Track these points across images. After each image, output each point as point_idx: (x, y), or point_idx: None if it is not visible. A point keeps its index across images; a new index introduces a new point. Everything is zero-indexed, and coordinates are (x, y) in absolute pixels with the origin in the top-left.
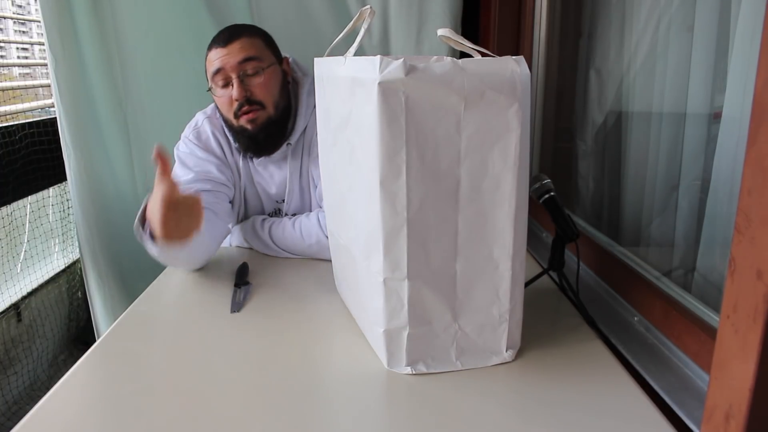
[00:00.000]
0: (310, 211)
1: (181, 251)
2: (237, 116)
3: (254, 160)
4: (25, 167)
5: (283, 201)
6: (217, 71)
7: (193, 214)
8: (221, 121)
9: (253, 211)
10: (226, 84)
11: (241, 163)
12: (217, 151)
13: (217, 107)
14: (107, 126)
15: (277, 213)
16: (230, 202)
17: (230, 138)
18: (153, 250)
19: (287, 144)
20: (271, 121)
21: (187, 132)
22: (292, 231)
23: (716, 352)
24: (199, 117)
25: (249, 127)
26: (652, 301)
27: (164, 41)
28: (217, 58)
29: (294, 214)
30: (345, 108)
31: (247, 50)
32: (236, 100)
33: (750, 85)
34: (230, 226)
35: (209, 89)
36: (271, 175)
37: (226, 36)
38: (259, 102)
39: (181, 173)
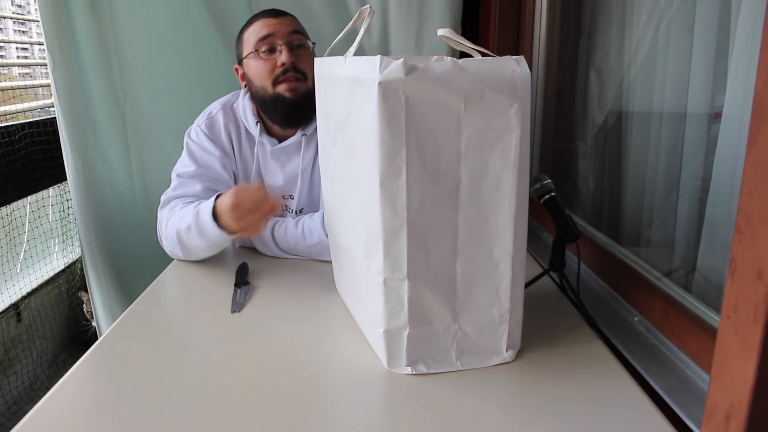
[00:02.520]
0: (317, 208)
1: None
2: (276, 83)
3: (267, 148)
4: (25, 167)
5: (291, 197)
6: (266, 37)
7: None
8: (236, 113)
9: None
10: (272, 51)
11: (250, 154)
12: (226, 145)
13: (246, 85)
14: (105, 126)
15: (282, 209)
16: None
17: (250, 120)
18: (214, 233)
19: (303, 134)
20: (309, 93)
21: (200, 120)
22: (294, 230)
23: (716, 353)
24: (215, 106)
25: (288, 95)
26: (652, 301)
27: (162, 41)
28: (267, 26)
29: (301, 210)
30: (345, 108)
31: (297, 25)
32: (283, 64)
33: (750, 85)
34: None
35: (247, 56)
36: (282, 165)
37: (275, 11)
38: (303, 72)
39: (187, 162)
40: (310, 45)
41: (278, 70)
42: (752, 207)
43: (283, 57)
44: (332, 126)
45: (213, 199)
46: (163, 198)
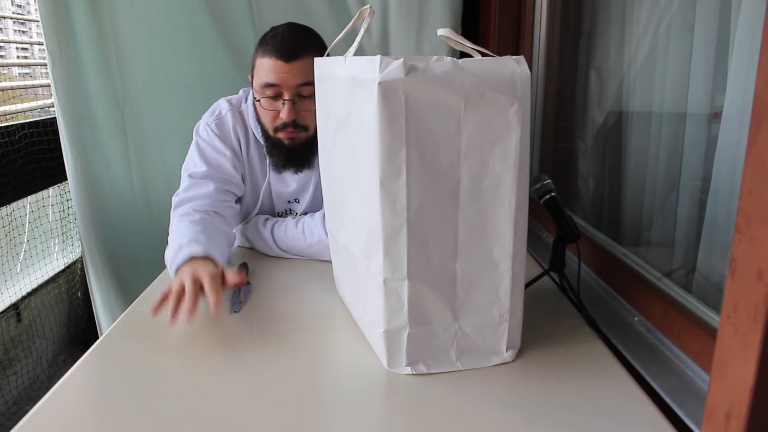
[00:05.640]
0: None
1: None
2: (277, 130)
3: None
4: (25, 167)
5: (296, 201)
6: (272, 85)
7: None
8: (244, 116)
9: (262, 209)
10: (276, 97)
11: (257, 159)
12: (236, 145)
13: (255, 110)
14: (105, 125)
15: (287, 213)
16: (238, 200)
17: (257, 136)
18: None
19: None
20: (309, 141)
21: (209, 118)
22: (295, 230)
23: (716, 353)
24: (223, 106)
25: (287, 143)
26: (652, 301)
27: (162, 41)
28: (275, 71)
29: (305, 213)
30: (345, 108)
31: (309, 74)
32: (283, 119)
33: (750, 85)
34: (234, 230)
35: (256, 101)
36: (293, 173)
37: (291, 49)
38: (304, 126)
39: (197, 162)
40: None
41: (279, 122)
42: (752, 207)
43: (284, 114)
44: (332, 126)
45: (189, 253)
46: (174, 200)
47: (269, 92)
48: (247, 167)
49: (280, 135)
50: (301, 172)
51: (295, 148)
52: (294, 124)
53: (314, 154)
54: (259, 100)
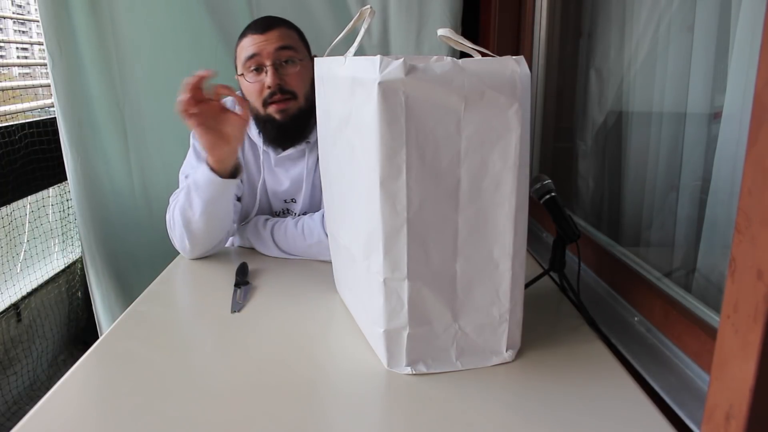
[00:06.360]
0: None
1: (227, 188)
2: (266, 104)
3: (272, 156)
4: (25, 167)
5: (293, 200)
6: (252, 56)
7: (229, 120)
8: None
9: (260, 209)
10: (259, 70)
11: (252, 160)
12: None
13: (242, 95)
14: (105, 125)
15: (285, 213)
16: (238, 199)
17: (253, 129)
18: (209, 177)
19: (306, 142)
20: (302, 111)
21: None
22: (294, 230)
23: (716, 352)
24: None
25: (278, 117)
26: (652, 301)
27: (162, 41)
28: (253, 43)
29: (304, 214)
30: (345, 108)
31: (285, 39)
32: (269, 87)
33: (750, 85)
34: (234, 225)
35: (239, 75)
36: (286, 170)
37: (264, 24)
38: (291, 91)
39: (195, 163)
40: (300, 60)
41: (266, 93)
42: (752, 207)
43: (268, 79)
44: (332, 126)
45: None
46: (172, 197)
47: (251, 64)
48: (244, 168)
49: (270, 110)
50: (299, 145)
51: (287, 122)
52: (281, 90)
53: (310, 127)
54: (242, 74)
